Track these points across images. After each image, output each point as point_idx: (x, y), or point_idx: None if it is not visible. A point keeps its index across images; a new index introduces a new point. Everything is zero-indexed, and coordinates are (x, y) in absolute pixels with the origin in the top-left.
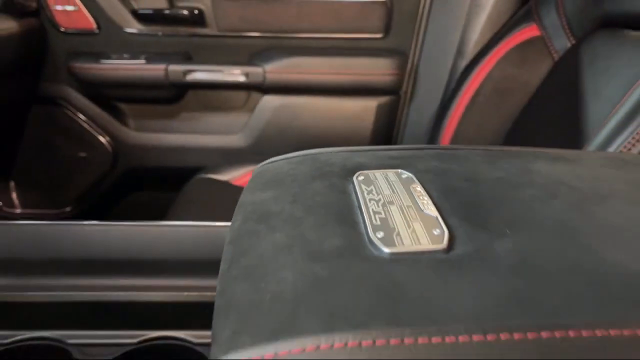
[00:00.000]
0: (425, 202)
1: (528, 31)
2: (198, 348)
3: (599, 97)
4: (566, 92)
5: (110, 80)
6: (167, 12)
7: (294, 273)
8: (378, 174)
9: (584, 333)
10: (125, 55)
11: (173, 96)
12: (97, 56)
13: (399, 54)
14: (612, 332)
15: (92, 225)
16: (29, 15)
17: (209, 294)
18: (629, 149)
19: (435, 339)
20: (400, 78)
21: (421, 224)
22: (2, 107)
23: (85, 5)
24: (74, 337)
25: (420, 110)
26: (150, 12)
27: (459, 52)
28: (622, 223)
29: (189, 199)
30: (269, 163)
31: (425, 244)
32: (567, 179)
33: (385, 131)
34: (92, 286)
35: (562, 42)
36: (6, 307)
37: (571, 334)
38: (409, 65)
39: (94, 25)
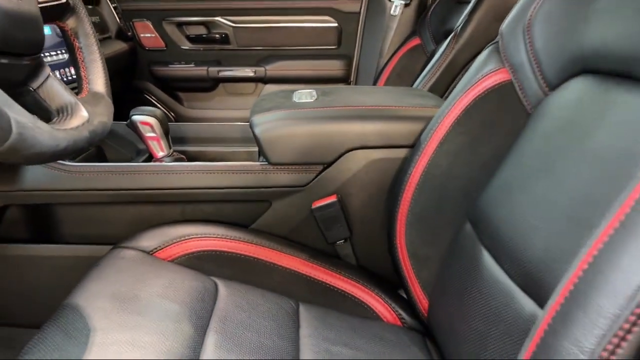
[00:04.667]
0: (312, 93)
1: (414, 41)
2: None
3: None
4: None
5: (174, 78)
6: (205, 35)
7: (283, 107)
8: (303, 90)
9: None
10: (182, 62)
11: (210, 87)
12: (166, 63)
13: (347, 58)
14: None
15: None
16: (129, 40)
17: (247, 149)
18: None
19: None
20: (348, 72)
21: (308, 97)
22: (115, 95)
23: (158, 33)
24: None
25: None
26: (196, 36)
27: (380, 55)
28: (374, 92)
29: None
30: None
31: (307, 101)
32: (371, 90)
33: None
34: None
35: (430, 47)
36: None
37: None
38: (353, 64)
39: (164, 45)
